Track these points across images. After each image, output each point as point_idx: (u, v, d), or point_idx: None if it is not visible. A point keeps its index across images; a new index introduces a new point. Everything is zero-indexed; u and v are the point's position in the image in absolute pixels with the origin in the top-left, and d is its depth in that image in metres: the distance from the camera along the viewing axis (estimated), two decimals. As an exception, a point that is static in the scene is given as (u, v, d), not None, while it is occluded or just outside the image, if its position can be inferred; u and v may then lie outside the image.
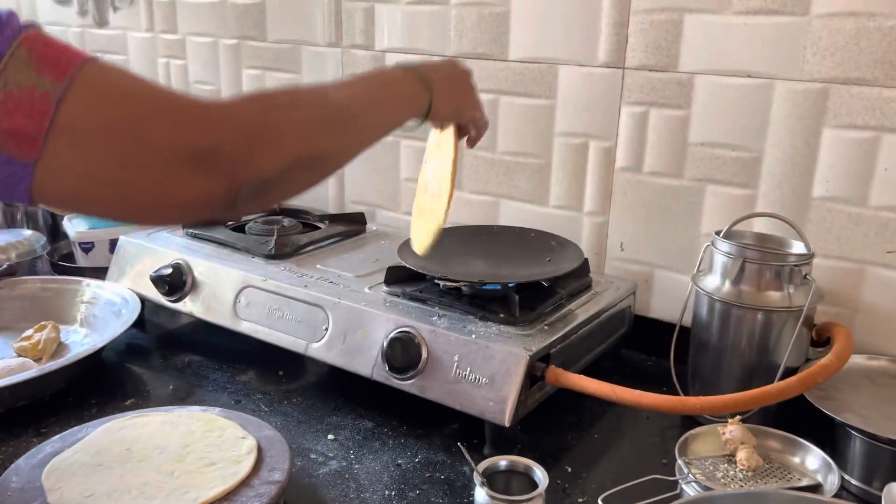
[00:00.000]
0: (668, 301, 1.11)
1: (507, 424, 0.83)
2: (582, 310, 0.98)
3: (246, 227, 1.22)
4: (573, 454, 0.88)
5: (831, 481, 0.70)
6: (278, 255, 1.11)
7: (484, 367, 0.85)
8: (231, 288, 1.05)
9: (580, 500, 0.80)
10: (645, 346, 1.12)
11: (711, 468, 0.73)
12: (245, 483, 0.73)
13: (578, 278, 1.05)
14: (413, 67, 0.75)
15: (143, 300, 1.12)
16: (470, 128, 0.86)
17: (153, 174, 0.52)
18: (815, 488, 0.71)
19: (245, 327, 1.03)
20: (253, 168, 0.55)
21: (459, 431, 0.91)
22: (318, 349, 0.96)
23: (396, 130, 0.74)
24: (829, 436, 0.82)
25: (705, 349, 0.95)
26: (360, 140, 0.69)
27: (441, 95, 0.76)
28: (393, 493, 0.80)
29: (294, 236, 1.18)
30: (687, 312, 0.97)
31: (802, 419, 0.83)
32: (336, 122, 0.65)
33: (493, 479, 0.73)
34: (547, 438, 0.91)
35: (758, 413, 0.88)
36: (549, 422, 0.93)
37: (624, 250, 1.13)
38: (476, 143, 0.88)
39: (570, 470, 0.85)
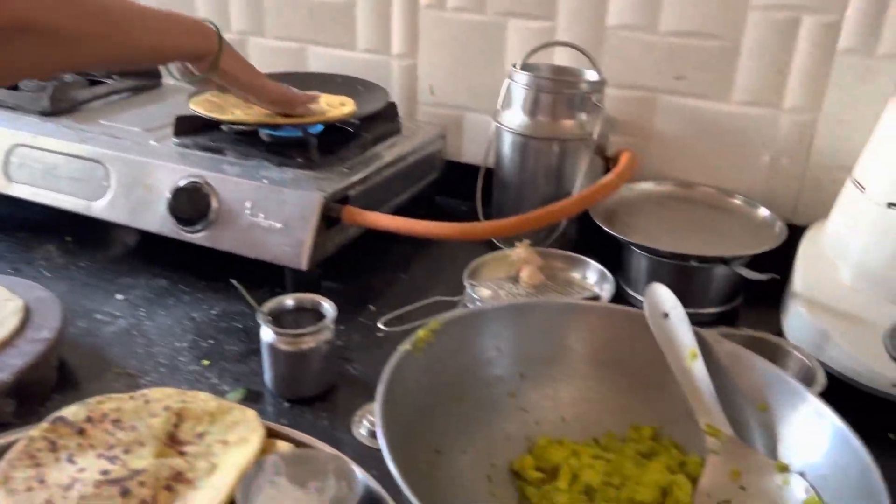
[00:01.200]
0: (478, 145, 1.10)
1: (304, 268, 0.81)
2: (387, 153, 0.96)
3: (20, 85, 1.08)
4: (379, 295, 0.88)
5: (607, 289, 0.73)
6: (55, 111, 1.00)
7: (277, 213, 0.82)
8: (0, 149, 0.94)
9: (379, 335, 0.80)
10: (458, 191, 1.11)
11: (497, 288, 0.74)
12: (8, 343, 0.68)
13: (386, 122, 1.01)
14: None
15: None
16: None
17: None
18: (595, 299, 0.74)
19: (19, 191, 0.93)
20: None
21: (261, 282, 0.88)
22: (100, 208, 0.89)
23: (180, 78, 0.79)
24: (619, 258, 0.86)
25: (507, 186, 0.96)
26: (113, 38, 0.65)
27: (231, 55, 0.80)
28: (185, 344, 0.77)
29: (74, 92, 1.06)
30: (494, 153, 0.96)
31: (597, 245, 0.86)
32: (85, 3, 0.61)
33: (281, 319, 0.71)
34: (353, 282, 0.90)
35: (556, 243, 0.90)
36: (356, 267, 0.92)
37: (434, 94, 1.10)
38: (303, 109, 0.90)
39: (373, 309, 0.85)
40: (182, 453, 0.57)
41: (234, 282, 0.69)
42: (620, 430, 0.61)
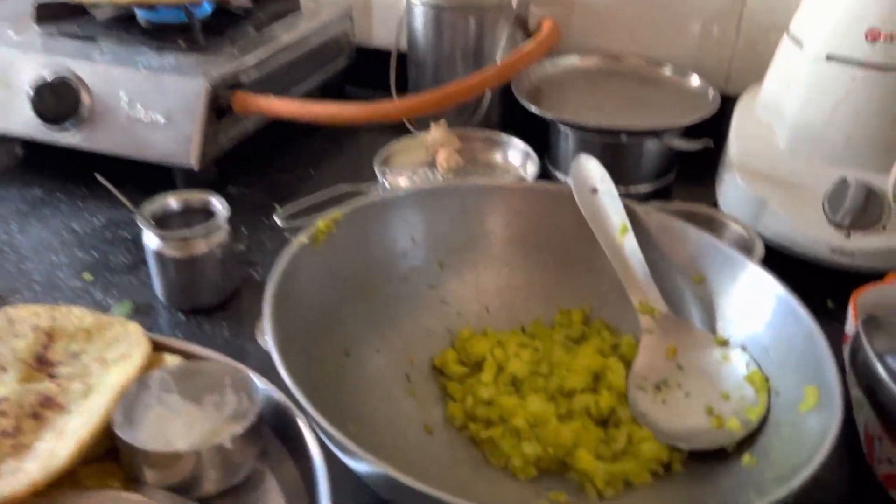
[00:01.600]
0: (390, 26, 0.99)
1: (195, 167, 0.72)
2: (285, 34, 0.86)
3: None
4: (287, 194, 0.79)
5: (532, 170, 0.67)
6: None
7: (159, 104, 0.72)
8: None
9: (287, 236, 0.72)
10: (371, 80, 1.02)
11: (411, 174, 0.67)
12: None
13: (281, 1, 0.91)
14: None
15: None
16: None
17: None
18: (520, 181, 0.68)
19: None
20: None
21: (154, 186, 0.78)
22: (-46, 111, 0.77)
23: None
24: (546, 140, 0.80)
25: (423, 69, 0.88)
26: None
27: None
28: (63, 258, 0.68)
29: (-86, -20, 0.91)
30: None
31: (522, 127, 0.79)
32: None
33: (169, 223, 0.63)
34: (258, 182, 0.81)
35: (481, 125, 0.83)
36: (261, 165, 0.84)
37: (337, -30, 0.99)
38: None
39: (280, 209, 0.77)
40: (52, 376, 0.50)
41: (99, 177, 0.60)
42: (548, 316, 0.56)
